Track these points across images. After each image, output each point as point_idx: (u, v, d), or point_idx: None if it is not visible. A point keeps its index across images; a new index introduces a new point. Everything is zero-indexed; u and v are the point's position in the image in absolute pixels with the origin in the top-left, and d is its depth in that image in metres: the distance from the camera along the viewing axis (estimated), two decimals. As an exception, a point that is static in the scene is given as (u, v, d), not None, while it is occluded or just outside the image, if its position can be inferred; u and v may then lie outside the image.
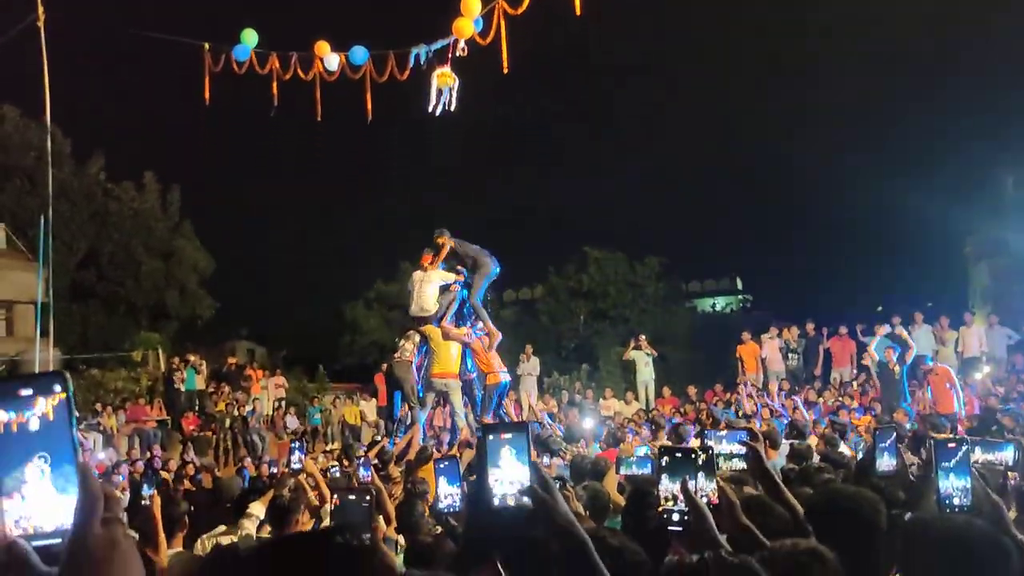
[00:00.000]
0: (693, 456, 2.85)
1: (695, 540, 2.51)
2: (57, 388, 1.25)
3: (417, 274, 13.51)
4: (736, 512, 2.82)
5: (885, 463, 4.09)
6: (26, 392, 1.24)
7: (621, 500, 5.02)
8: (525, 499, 1.92)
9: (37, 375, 1.28)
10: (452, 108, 15.02)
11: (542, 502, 1.89)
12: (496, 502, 1.96)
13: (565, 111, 61.95)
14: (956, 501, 3.15)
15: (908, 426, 11.65)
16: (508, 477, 1.97)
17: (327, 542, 1.12)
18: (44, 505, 1.21)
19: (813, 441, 9.61)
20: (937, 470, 3.19)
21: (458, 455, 7.99)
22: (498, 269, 13.62)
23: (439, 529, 4.73)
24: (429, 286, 13.22)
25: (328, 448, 17.73)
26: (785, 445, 8.69)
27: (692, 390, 19.96)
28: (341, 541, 1.11)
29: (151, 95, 47.04)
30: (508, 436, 2.01)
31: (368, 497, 3.06)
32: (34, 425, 1.22)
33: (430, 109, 15.01)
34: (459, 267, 13.76)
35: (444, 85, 14.69)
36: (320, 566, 1.06)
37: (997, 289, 27.37)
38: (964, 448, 3.26)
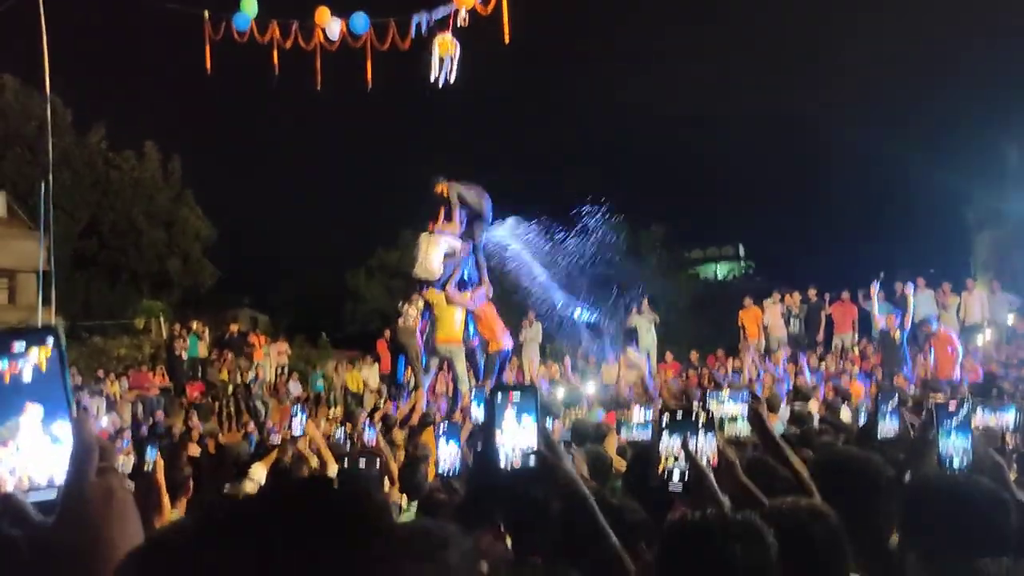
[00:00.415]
0: (694, 417, 2.86)
1: (696, 498, 2.53)
2: (49, 341, 1.25)
3: (424, 236, 13.50)
4: (736, 471, 2.84)
5: (887, 427, 4.09)
6: (19, 344, 1.24)
7: (621, 462, 5.05)
8: (531, 461, 1.92)
9: (29, 328, 1.28)
10: (452, 78, 14.93)
11: (547, 463, 1.90)
12: (502, 463, 1.96)
13: (566, 80, 61.54)
14: (957, 462, 3.16)
15: (909, 391, 11.69)
16: (515, 438, 1.96)
17: (329, 487, 1.12)
18: (38, 455, 1.22)
19: (815, 406, 9.64)
20: (938, 431, 3.20)
21: (460, 420, 8.02)
22: (492, 218, 13.93)
23: (442, 496, 4.76)
24: (435, 249, 13.21)
25: (331, 414, 17.81)
26: (786, 409, 8.71)
27: (695, 355, 19.98)
28: (344, 487, 1.12)
29: (151, 64, 46.78)
30: (517, 398, 2.00)
31: (378, 462, 3.05)
32: (27, 375, 1.23)
33: (432, 78, 14.91)
34: (464, 237, 13.82)
35: (445, 53, 14.58)
36: (323, 509, 1.07)
37: (999, 257, 27.35)
38: (965, 409, 3.27)
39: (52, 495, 1.20)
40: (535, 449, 1.94)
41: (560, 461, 1.92)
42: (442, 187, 13.52)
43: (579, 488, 1.90)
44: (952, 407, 3.26)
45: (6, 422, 1.21)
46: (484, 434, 2.11)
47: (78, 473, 1.18)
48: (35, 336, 1.25)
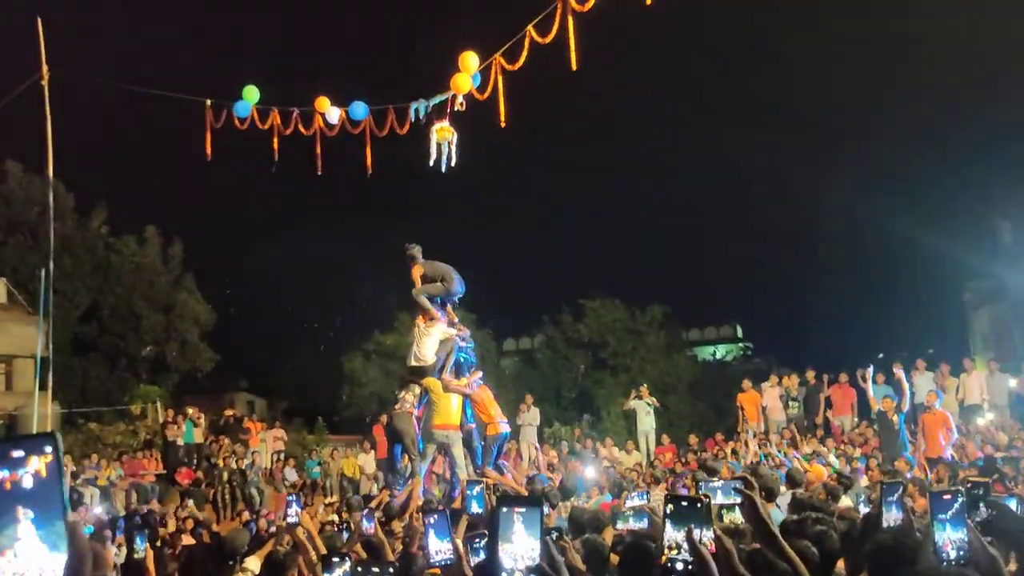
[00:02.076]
0: (699, 505, 2.86)
1: None
2: (48, 448, 1.27)
3: (417, 326, 13.63)
4: (733, 561, 2.83)
5: (892, 517, 4.06)
6: (17, 453, 1.26)
7: (614, 556, 4.99)
8: None
9: (27, 436, 1.30)
10: (453, 163, 15.18)
11: None
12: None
13: (563, 163, 62.39)
14: (952, 554, 3.13)
15: (909, 475, 11.59)
16: (518, 551, 1.95)
17: None
18: (36, 562, 1.23)
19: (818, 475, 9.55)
20: (933, 522, 3.18)
21: (458, 507, 7.92)
22: (463, 289, 13.92)
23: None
24: (428, 338, 13.31)
25: (328, 501, 17.59)
26: (787, 495, 8.61)
27: (693, 439, 19.89)
28: None
29: (153, 150, 47.48)
30: (521, 510, 2.00)
31: (392, 571, 3.01)
32: (27, 483, 1.25)
33: (431, 163, 15.16)
34: (459, 327, 13.95)
35: (443, 139, 14.86)
36: None
37: (997, 335, 27.38)
38: (960, 500, 3.25)
39: None
40: (537, 564, 1.93)
41: None
42: (414, 253, 13.79)
43: None
44: (947, 497, 3.24)
45: (6, 530, 1.23)
46: (488, 544, 2.10)
47: None
48: (33, 445, 1.27)
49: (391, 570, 2.98)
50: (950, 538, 3.14)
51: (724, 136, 57.94)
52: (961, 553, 3.11)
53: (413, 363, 13.41)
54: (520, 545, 1.96)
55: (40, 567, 1.23)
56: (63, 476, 1.28)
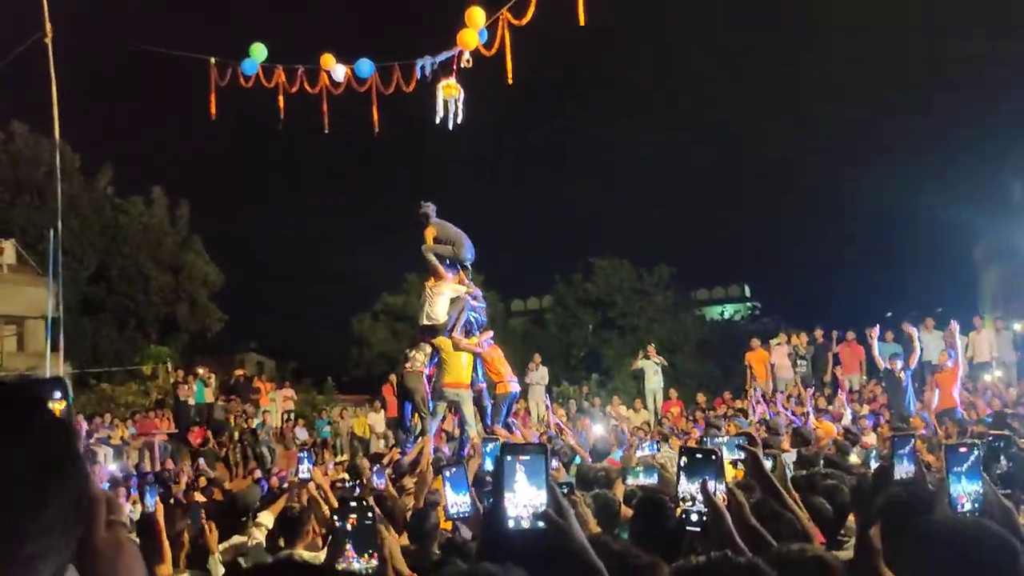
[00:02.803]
0: (713, 457, 2.87)
1: (714, 540, 2.53)
2: (57, 395, 1.27)
3: (428, 287, 13.65)
4: (745, 513, 2.88)
5: (903, 470, 4.07)
6: None
7: (627, 510, 5.02)
8: (539, 523, 1.90)
9: (37, 381, 1.29)
10: (459, 119, 15.09)
11: (556, 527, 1.88)
12: (511, 524, 1.94)
13: (571, 120, 61.97)
14: (968, 506, 3.14)
15: (924, 431, 11.61)
16: (523, 500, 1.94)
17: None
18: None
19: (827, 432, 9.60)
20: (948, 475, 3.18)
21: (466, 464, 7.97)
22: (472, 256, 13.94)
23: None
24: (440, 297, 13.35)
25: (338, 460, 17.73)
26: (793, 453, 8.66)
27: (701, 397, 19.95)
28: None
29: (158, 110, 47.27)
30: (526, 458, 1.98)
31: (370, 514, 3.02)
32: None
33: (437, 121, 15.07)
34: (469, 286, 13.97)
35: (449, 96, 14.75)
36: None
37: (1006, 293, 27.29)
38: (975, 453, 3.25)
39: None
40: (544, 510, 1.91)
41: (570, 526, 1.90)
42: (427, 212, 13.76)
43: (590, 558, 1.87)
44: (963, 450, 3.24)
45: None
46: (492, 493, 2.09)
47: (88, 527, 1.19)
48: (44, 388, 1.26)
49: (370, 513, 3.03)
50: (965, 491, 3.14)
51: (734, 94, 57.50)
52: (976, 505, 3.11)
53: (425, 322, 13.44)
54: (525, 492, 1.94)
55: None
56: (73, 420, 1.27)
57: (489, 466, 4.88)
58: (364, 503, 3.12)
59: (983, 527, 2.35)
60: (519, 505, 1.93)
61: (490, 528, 2.05)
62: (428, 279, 13.82)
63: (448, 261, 13.80)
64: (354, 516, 3.04)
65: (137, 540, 4.81)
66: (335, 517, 3.23)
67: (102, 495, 1.22)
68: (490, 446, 5.00)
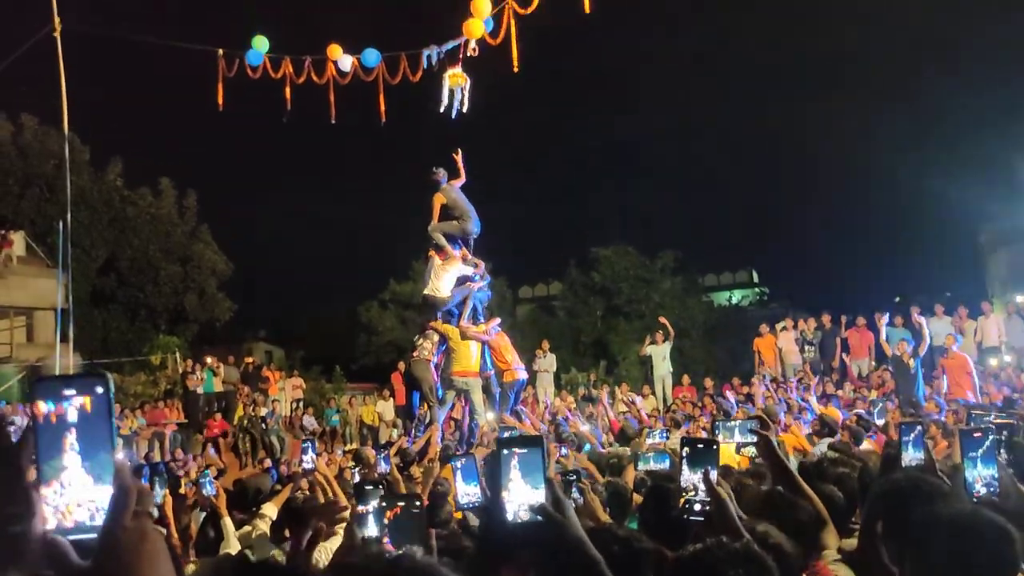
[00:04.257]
0: (714, 447, 2.91)
1: (718, 528, 2.56)
2: (99, 389, 1.29)
3: (435, 259, 13.67)
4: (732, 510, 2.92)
5: (911, 456, 4.08)
6: (68, 391, 1.28)
7: (639, 497, 5.04)
8: (536, 516, 1.91)
9: (80, 375, 1.32)
10: (465, 108, 15.08)
11: (553, 521, 1.89)
12: (510, 517, 1.95)
13: (578, 108, 61.80)
14: (982, 491, 3.15)
15: (939, 416, 11.61)
16: (521, 492, 1.96)
17: None
18: (81, 493, 1.26)
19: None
20: (964, 459, 3.20)
21: (474, 452, 8.00)
22: (478, 230, 14.02)
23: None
24: (446, 273, 13.39)
25: (347, 448, 17.80)
26: (822, 444, 8.67)
27: (709, 382, 19.92)
28: None
29: (166, 101, 47.31)
30: (523, 451, 1.99)
31: (418, 504, 2.98)
32: (72, 416, 1.27)
33: (440, 110, 15.06)
34: (474, 263, 13.98)
35: (456, 85, 14.72)
36: None
37: (1015, 277, 27.21)
38: (991, 438, 3.26)
39: (92, 535, 1.24)
40: (540, 504, 1.93)
41: (567, 520, 1.92)
42: (438, 177, 13.92)
43: (587, 550, 1.89)
44: (978, 435, 3.25)
45: (51, 461, 1.25)
46: (490, 486, 2.10)
47: (114, 517, 1.22)
48: (85, 384, 1.29)
49: (417, 503, 2.98)
50: (980, 475, 3.16)
51: (740, 81, 57.27)
52: (990, 490, 3.13)
53: (427, 292, 13.49)
54: (523, 485, 1.96)
55: (86, 498, 1.26)
56: (112, 414, 1.30)
57: None
58: (412, 496, 3.08)
59: (980, 516, 2.36)
60: (517, 498, 1.95)
61: (489, 521, 2.06)
62: (435, 253, 13.82)
63: (455, 239, 13.85)
64: (401, 504, 3.00)
65: (163, 531, 4.86)
66: (358, 501, 3.23)
67: (132, 487, 1.25)
68: (507, 435, 4.98)
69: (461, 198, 13.90)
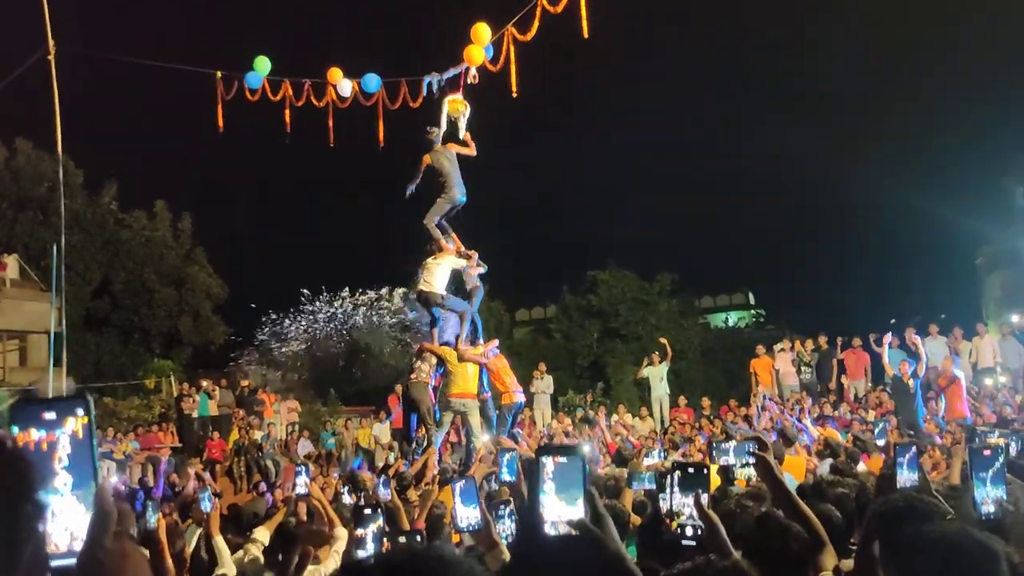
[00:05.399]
0: (706, 471, 2.89)
1: (711, 551, 2.54)
2: (80, 411, 1.28)
3: (430, 260, 13.64)
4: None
5: (905, 477, 4.06)
6: (49, 414, 1.26)
7: (637, 519, 5.00)
8: (574, 531, 1.86)
9: (60, 398, 1.30)
10: (461, 135, 15.03)
11: (591, 536, 1.84)
12: (547, 528, 1.89)
13: (575, 132, 62.08)
14: (991, 511, 3.11)
15: (939, 439, 11.60)
16: (559, 502, 1.90)
17: None
18: (71, 522, 1.24)
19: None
20: (973, 479, 3.17)
21: (473, 474, 7.94)
22: (464, 199, 13.80)
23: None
24: (439, 267, 13.37)
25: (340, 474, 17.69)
26: (825, 464, 8.66)
27: (707, 402, 19.90)
28: None
29: (161, 124, 47.42)
30: (563, 460, 1.94)
31: (419, 539, 2.93)
32: (64, 444, 1.25)
33: (431, 136, 14.97)
34: (469, 253, 13.97)
35: (455, 113, 14.63)
36: None
37: (1010, 299, 27.29)
38: (1000, 457, 3.24)
39: (72, 561, 1.21)
40: (579, 519, 1.87)
41: (607, 536, 1.86)
42: (431, 137, 13.88)
43: (627, 565, 1.83)
44: (987, 453, 3.22)
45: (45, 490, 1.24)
46: (528, 495, 2.03)
47: (92, 539, 1.20)
48: (66, 406, 1.27)
49: (418, 538, 2.96)
50: (989, 495, 3.13)
51: (736, 106, 57.56)
52: (999, 510, 3.10)
53: (421, 288, 13.48)
54: (562, 495, 1.90)
55: (76, 526, 1.24)
56: (94, 437, 1.28)
57: (506, 476, 4.79)
58: (380, 509, 3.07)
59: (967, 535, 2.35)
60: (555, 508, 1.89)
61: (526, 531, 2.02)
62: (426, 258, 13.77)
63: (447, 230, 13.77)
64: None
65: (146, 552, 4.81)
66: (356, 524, 3.20)
67: (111, 509, 1.23)
68: (507, 456, 4.95)
69: (446, 163, 13.70)
